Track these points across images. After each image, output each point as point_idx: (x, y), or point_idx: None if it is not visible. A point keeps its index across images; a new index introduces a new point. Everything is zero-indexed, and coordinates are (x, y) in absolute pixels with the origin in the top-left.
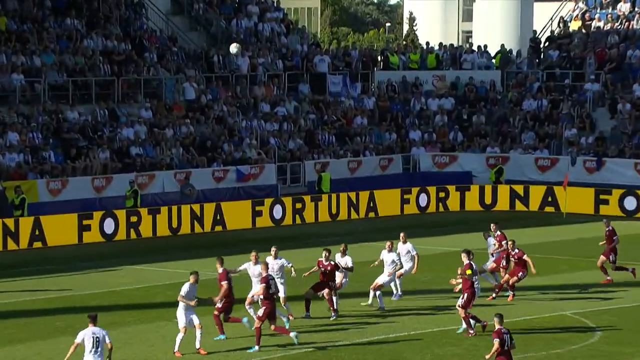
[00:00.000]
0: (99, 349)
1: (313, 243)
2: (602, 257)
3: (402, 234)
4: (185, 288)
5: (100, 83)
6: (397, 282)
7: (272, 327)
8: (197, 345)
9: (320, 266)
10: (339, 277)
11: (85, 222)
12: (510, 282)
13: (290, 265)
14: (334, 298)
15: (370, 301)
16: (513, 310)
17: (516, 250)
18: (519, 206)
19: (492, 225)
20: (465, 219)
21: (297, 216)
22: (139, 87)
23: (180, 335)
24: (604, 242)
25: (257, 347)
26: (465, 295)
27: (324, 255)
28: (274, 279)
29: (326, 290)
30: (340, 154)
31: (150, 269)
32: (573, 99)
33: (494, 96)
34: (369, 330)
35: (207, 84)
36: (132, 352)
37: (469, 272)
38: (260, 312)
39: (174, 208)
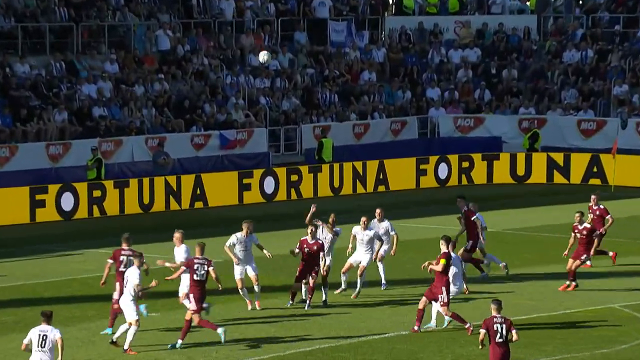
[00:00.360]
0: (46, 347)
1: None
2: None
3: (378, 211)
4: (136, 274)
5: (55, 30)
6: (380, 267)
7: (196, 319)
8: (126, 347)
9: (305, 246)
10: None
11: (38, 197)
12: (573, 267)
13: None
14: (324, 290)
15: (343, 286)
16: (550, 301)
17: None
18: (558, 178)
19: (592, 196)
20: (493, 194)
21: (292, 190)
22: (103, 35)
23: (132, 329)
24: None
25: (180, 342)
26: (444, 291)
27: (309, 231)
28: (205, 263)
29: (311, 280)
30: (344, 116)
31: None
32: (624, 49)
33: (529, 46)
34: (373, 325)
35: (184, 32)
36: (97, 352)
37: (443, 261)
38: (191, 304)
39: (145, 181)
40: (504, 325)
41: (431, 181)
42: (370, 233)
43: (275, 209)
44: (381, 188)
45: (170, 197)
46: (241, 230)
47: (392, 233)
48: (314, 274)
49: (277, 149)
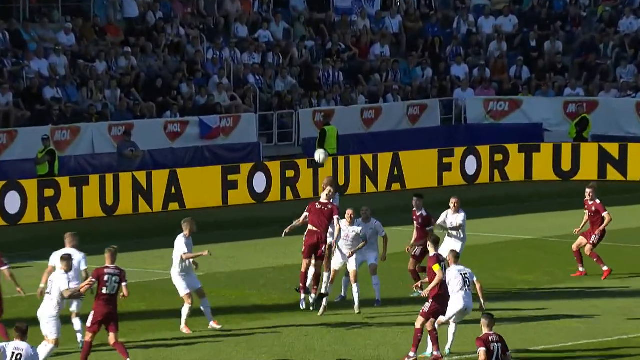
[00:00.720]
0: None
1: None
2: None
3: (363, 209)
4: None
5: None
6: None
7: (111, 340)
8: None
9: (315, 208)
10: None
11: None
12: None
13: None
14: (326, 274)
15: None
16: (603, 324)
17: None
18: (612, 174)
19: (587, 189)
20: (532, 193)
21: (287, 189)
22: None
23: (48, 348)
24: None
25: None
26: (430, 301)
27: (326, 192)
28: (117, 274)
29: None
30: (350, 99)
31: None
32: None
33: (577, 13)
34: (385, 354)
35: None
36: None
37: (437, 267)
38: (89, 321)
39: (109, 177)
40: (499, 345)
41: (457, 178)
42: (358, 229)
43: (267, 211)
44: (395, 186)
45: (139, 197)
46: (183, 231)
47: (382, 235)
48: (319, 253)
49: (270, 139)
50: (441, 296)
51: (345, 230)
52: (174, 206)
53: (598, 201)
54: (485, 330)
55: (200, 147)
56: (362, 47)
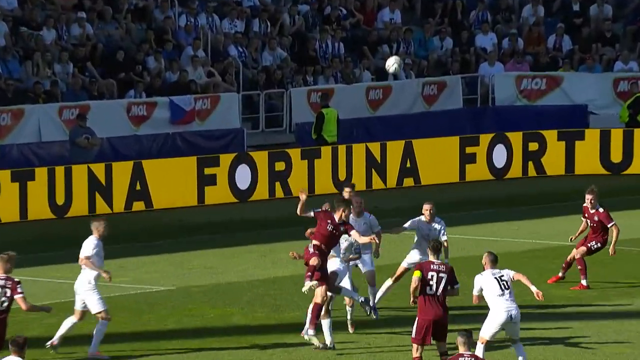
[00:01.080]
0: None
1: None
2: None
3: (356, 200)
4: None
5: None
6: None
7: None
8: None
9: (329, 222)
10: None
11: None
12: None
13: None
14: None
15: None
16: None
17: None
18: None
19: (587, 195)
20: (574, 189)
21: (277, 185)
22: None
23: None
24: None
25: None
26: (416, 320)
27: (332, 206)
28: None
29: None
30: (354, 76)
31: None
32: None
33: None
34: None
35: None
36: None
37: (417, 274)
38: None
39: (59, 171)
40: None
41: (482, 171)
42: (350, 239)
43: (252, 212)
44: (408, 182)
45: (97, 194)
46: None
47: (377, 230)
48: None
49: (255, 125)
50: (424, 309)
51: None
52: (138, 206)
53: (602, 210)
54: (460, 350)
55: (171, 134)
56: (367, 13)
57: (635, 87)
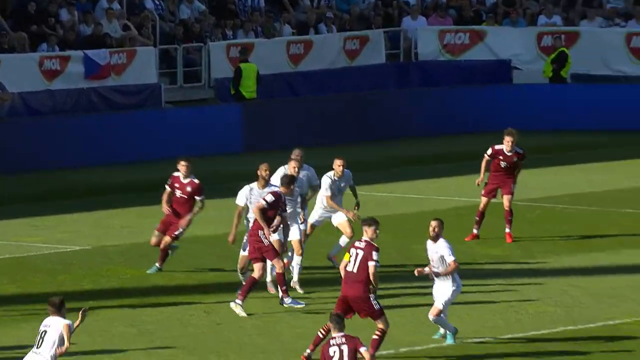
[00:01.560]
0: (42, 347)
1: (225, 191)
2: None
3: (296, 152)
4: None
5: None
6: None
7: None
8: None
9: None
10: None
11: None
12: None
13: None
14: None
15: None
16: (583, 310)
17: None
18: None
19: (506, 137)
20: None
21: None
22: None
23: None
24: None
25: None
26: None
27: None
28: None
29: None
30: (274, 30)
31: None
32: None
33: None
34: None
35: None
36: None
37: (347, 257)
38: None
39: None
40: (346, 349)
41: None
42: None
43: (170, 168)
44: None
45: (7, 155)
46: None
47: (317, 183)
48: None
49: (173, 80)
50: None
51: (337, 181)
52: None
53: (522, 150)
54: (333, 334)
55: (86, 89)
56: None
57: (559, 42)
